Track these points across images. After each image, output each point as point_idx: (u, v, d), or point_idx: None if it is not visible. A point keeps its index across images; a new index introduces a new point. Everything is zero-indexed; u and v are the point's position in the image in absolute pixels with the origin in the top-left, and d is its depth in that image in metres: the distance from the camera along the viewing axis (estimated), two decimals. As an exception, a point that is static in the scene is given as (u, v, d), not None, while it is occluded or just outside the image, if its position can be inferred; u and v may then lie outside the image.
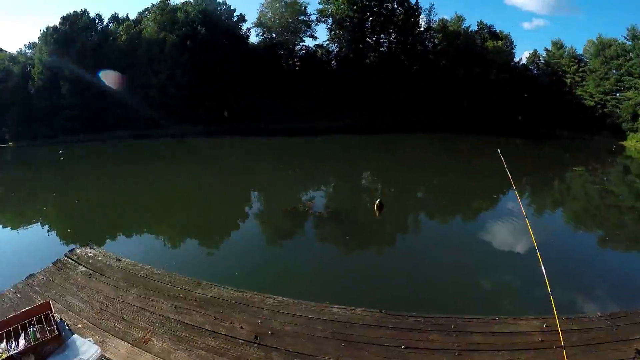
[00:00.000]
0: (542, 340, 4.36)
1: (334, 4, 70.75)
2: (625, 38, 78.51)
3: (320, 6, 73.25)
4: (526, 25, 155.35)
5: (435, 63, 74.67)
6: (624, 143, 66.81)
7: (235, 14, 69.05)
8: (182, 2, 64.87)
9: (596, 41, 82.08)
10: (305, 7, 72.14)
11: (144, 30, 61.31)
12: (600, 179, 26.94)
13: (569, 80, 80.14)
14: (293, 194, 16.51)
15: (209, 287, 6.39)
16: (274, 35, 72.05)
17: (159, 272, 7.16)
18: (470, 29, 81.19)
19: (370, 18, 72.21)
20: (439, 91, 72.46)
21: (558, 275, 8.89)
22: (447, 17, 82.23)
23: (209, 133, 47.16)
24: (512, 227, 13.59)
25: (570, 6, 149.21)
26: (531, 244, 11.15)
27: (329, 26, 74.02)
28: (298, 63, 74.67)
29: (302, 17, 72.46)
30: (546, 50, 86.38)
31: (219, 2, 67.19)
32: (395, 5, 74.22)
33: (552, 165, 31.54)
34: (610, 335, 4.39)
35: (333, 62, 75.69)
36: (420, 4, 76.88)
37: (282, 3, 70.91)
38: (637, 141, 66.75)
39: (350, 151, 34.52)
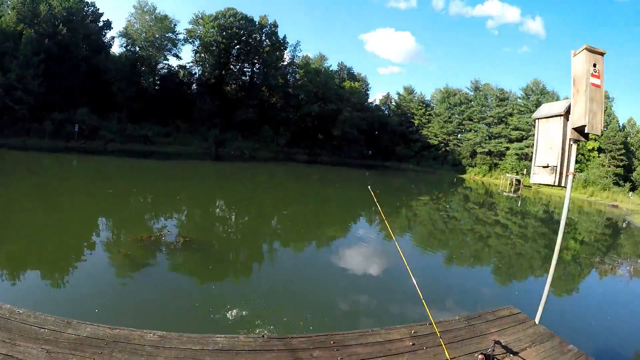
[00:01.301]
0: (413, 344, 4.71)
1: (204, 26, 69.66)
2: (468, 89, 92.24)
3: (190, 26, 71.34)
4: (382, 70, 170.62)
5: (294, 97, 77.63)
6: (464, 176, 77.94)
7: (101, 18, 63.69)
8: None
9: (443, 90, 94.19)
10: (175, 25, 68.69)
11: (1, 19, 51.34)
12: (443, 206, 30.08)
13: (416, 122, 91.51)
14: (147, 221, 15.61)
15: (81, 326, 5.30)
16: (137, 48, 66.20)
17: (21, 311, 5.69)
18: (330, 69, 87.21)
19: (237, 46, 72.35)
20: (295, 123, 75.91)
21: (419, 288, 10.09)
22: (311, 55, 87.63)
23: (54, 149, 41.63)
24: (378, 247, 14.69)
25: (423, 57, 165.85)
26: (399, 263, 12.29)
27: (195, 48, 72.17)
28: (158, 82, 69.46)
29: (170, 34, 68.55)
30: (398, 94, 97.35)
31: (87, 2, 60.07)
32: (264, 37, 75.66)
33: (400, 194, 34.31)
34: (470, 332, 4.95)
35: (194, 85, 73.89)
36: (288, 40, 79.66)
37: (152, 16, 66.03)
38: (475, 174, 79.50)
39: (205, 177, 33.73)
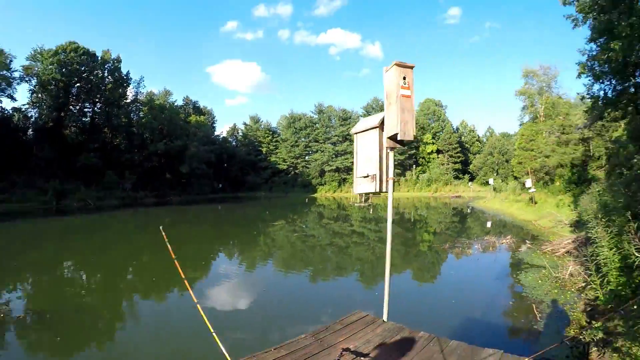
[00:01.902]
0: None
1: (43, 62, 61.29)
2: (313, 112, 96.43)
3: (27, 62, 61.96)
4: (230, 101, 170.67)
5: (139, 136, 73.98)
6: (315, 195, 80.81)
7: None
8: None
9: (288, 115, 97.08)
10: (11, 61, 58.44)
11: None
12: (299, 227, 30.67)
13: (264, 149, 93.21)
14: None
15: None
16: None
17: None
18: (176, 104, 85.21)
19: (78, 84, 65.19)
20: (141, 164, 72.04)
21: (277, 312, 10.20)
22: (155, 91, 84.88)
23: None
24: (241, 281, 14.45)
25: (270, 87, 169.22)
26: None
27: (32, 87, 62.86)
28: None
29: (4, 71, 57.46)
30: (244, 124, 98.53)
31: None
32: (106, 74, 69.75)
33: (255, 223, 34.32)
34: (318, 347, 4.85)
35: (30, 130, 64.19)
36: (131, 75, 74.09)
37: None
38: (325, 192, 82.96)
39: (45, 238, 28.91)
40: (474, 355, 4.17)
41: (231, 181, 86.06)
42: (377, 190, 4.66)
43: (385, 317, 5.42)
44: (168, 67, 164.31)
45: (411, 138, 4.31)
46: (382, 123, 4.61)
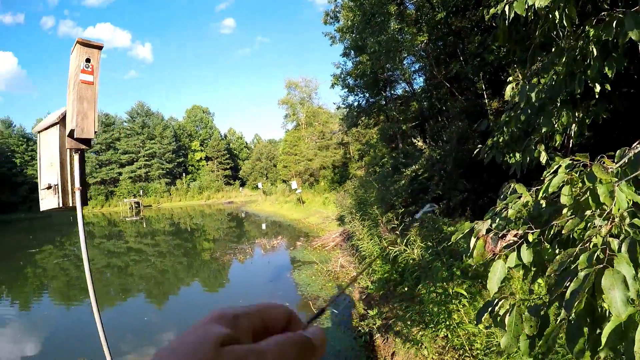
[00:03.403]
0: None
1: None
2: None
3: None
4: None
5: None
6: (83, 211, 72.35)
7: None
8: None
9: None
10: None
11: None
12: (70, 250, 27.35)
13: (19, 160, 78.01)
14: None
15: None
16: None
17: None
18: None
19: None
20: None
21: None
22: None
23: None
24: None
25: (26, 84, 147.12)
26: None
27: None
28: None
29: None
30: None
31: None
32: None
33: (19, 252, 29.70)
34: None
35: None
36: None
37: None
38: (92, 207, 74.30)
39: None
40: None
41: None
42: (61, 204, 3.57)
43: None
44: None
45: (91, 135, 3.34)
46: (63, 118, 3.59)
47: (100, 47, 3.54)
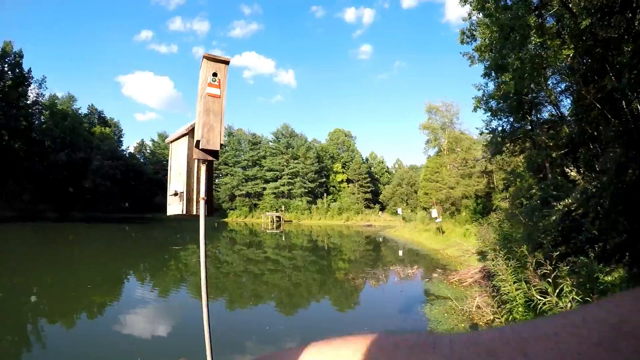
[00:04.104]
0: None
1: None
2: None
3: None
4: (140, 116, 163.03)
5: (40, 143, 66.96)
6: (226, 220, 78.00)
7: None
8: None
9: None
10: None
11: None
12: (212, 252, 29.27)
13: None
14: None
15: None
16: None
17: None
18: (80, 111, 79.12)
19: None
20: (41, 174, 65.20)
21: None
22: (58, 94, 77.66)
23: None
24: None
25: (181, 104, 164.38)
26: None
27: None
28: None
29: None
30: (152, 140, 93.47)
31: None
32: (6, 68, 60.65)
33: (166, 246, 32.62)
34: None
35: None
36: (33, 74, 64.37)
37: None
38: (237, 217, 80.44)
39: None
40: None
41: (139, 201, 79.63)
42: (184, 212, 3.62)
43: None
44: (73, 69, 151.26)
45: (216, 147, 3.33)
46: (192, 130, 3.66)
47: (227, 62, 3.55)
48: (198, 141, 3.39)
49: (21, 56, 61.91)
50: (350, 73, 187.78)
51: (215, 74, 3.53)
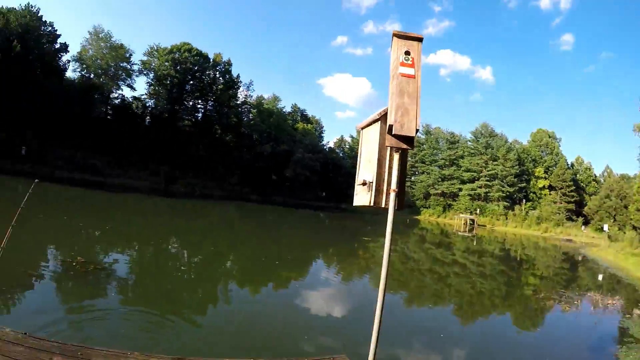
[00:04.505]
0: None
1: (159, 59, 67.90)
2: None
3: (145, 58, 69.13)
4: (340, 114, 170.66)
5: (248, 136, 77.05)
6: (419, 217, 77.59)
7: (58, 40, 59.12)
8: (7, 7, 53.08)
9: None
10: (131, 55, 67.06)
11: None
12: (401, 247, 29.31)
13: None
14: (103, 252, 14.69)
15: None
16: (91, 75, 63.96)
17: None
18: (284, 110, 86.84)
19: (191, 81, 70.81)
20: (248, 163, 74.04)
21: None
22: (265, 95, 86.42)
23: None
24: (337, 289, 13.97)
25: (379, 103, 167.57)
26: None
27: (149, 80, 69.68)
28: (111, 112, 67.17)
29: (125, 63, 66.68)
30: (351, 137, 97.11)
31: (45, 21, 56.77)
32: (217, 75, 74.69)
33: (356, 236, 33.61)
34: None
35: (148, 117, 70.78)
36: (241, 79, 78.71)
37: (108, 44, 64.46)
38: (429, 215, 79.57)
39: (156, 213, 32.18)
40: None
41: (335, 192, 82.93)
42: (372, 203, 3.34)
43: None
44: (277, 75, 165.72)
45: (411, 133, 2.94)
46: (385, 115, 3.34)
47: (420, 39, 3.14)
48: (391, 126, 3.06)
49: (230, 64, 75.96)
50: (552, 67, 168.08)
51: (407, 53, 3.16)
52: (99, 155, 56.23)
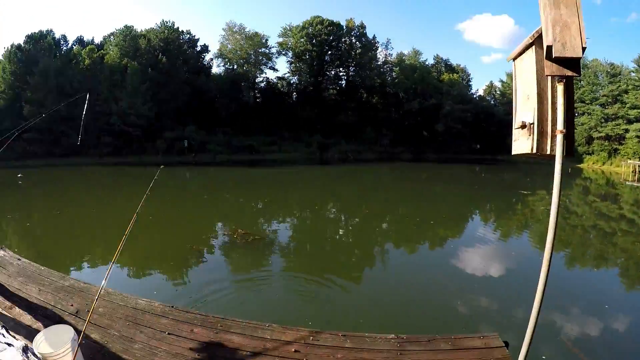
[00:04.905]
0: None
1: (293, 37, 71.47)
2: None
3: (280, 39, 73.82)
4: (486, 59, 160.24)
5: (393, 95, 76.60)
6: (581, 165, 68.91)
7: (199, 43, 68.43)
8: (146, 29, 62.52)
9: None
10: (267, 40, 72.14)
11: (107, 56, 57.56)
12: (562, 201, 26.78)
13: None
14: (261, 223, 15.69)
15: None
16: (235, 66, 71.27)
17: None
18: (426, 63, 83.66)
19: (329, 52, 72.97)
20: (397, 122, 74.27)
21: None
22: (404, 52, 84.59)
23: (167, 163, 43.79)
24: (494, 249, 13.17)
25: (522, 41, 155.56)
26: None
27: (289, 59, 74.24)
28: (259, 95, 74.05)
29: (263, 49, 72.12)
30: (501, 81, 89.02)
31: (182, 31, 65.33)
32: (353, 40, 75.35)
33: (514, 189, 31.58)
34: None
35: (294, 93, 75.97)
36: (378, 39, 78.53)
37: (243, 35, 70.63)
38: (593, 163, 69.41)
39: (312, 181, 33.81)
40: None
41: (489, 142, 77.46)
42: (534, 150, 2.67)
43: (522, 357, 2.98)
44: (414, 28, 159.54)
45: (576, 53, 2.24)
46: (539, 36, 2.62)
47: None
48: (549, 48, 2.41)
49: (363, 27, 76.05)
50: None
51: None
52: (254, 136, 62.19)
